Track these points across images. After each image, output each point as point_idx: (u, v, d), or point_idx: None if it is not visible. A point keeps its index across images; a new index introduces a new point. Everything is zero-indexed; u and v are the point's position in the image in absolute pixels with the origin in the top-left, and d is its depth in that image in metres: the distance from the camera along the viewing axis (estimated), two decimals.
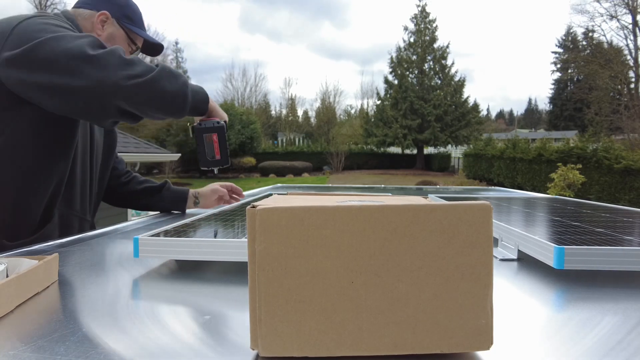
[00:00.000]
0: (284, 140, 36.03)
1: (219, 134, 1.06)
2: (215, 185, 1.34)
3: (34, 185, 0.93)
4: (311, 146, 28.82)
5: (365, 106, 39.35)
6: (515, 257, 0.72)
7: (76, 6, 1.09)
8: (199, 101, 0.97)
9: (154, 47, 1.22)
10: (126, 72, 0.83)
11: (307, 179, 20.51)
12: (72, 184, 1.04)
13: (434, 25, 28.70)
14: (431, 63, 28.09)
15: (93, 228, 1.14)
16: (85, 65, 0.81)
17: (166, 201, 1.28)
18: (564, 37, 37.68)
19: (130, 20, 1.13)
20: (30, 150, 0.90)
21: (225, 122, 1.08)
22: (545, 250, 0.59)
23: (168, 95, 0.88)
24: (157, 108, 0.89)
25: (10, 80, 0.85)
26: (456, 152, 29.22)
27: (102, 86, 0.82)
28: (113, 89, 0.82)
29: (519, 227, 0.74)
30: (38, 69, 0.82)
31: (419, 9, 29.02)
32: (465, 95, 27.50)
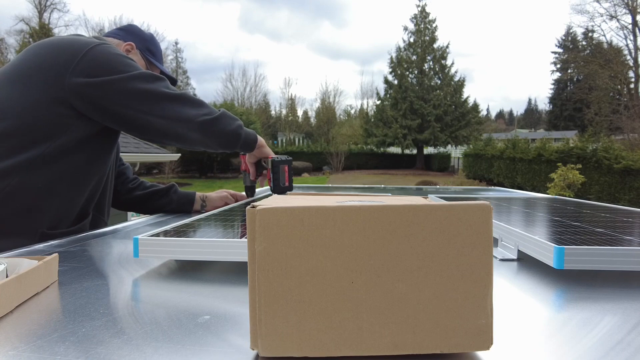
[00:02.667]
0: (284, 140, 36.04)
1: (289, 166, 1.32)
2: (224, 192, 1.40)
3: (80, 184, 1.04)
4: (311, 146, 28.79)
5: (365, 106, 39.40)
6: (515, 257, 0.72)
7: (107, 35, 1.25)
8: (249, 140, 1.19)
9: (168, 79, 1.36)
10: (198, 110, 1.03)
11: (307, 179, 20.48)
12: (104, 187, 1.16)
13: (434, 25, 28.71)
14: (431, 63, 28.08)
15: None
16: (166, 103, 1.00)
17: (174, 203, 1.33)
18: (563, 37, 37.71)
19: (152, 53, 1.29)
20: (82, 154, 1.02)
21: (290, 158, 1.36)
22: (545, 250, 0.59)
23: (227, 132, 1.09)
24: (217, 140, 1.09)
25: (84, 99, 0.96)
26: (456, 152, 29.24)
27: (180, 119, 1.01)
28: (189, 123, 1.02)
29: (519, 227, 0.74)
30: (127, 101, 0.98)
31: (419, 9, 29.03)
32: (465, 96, 27.52)
